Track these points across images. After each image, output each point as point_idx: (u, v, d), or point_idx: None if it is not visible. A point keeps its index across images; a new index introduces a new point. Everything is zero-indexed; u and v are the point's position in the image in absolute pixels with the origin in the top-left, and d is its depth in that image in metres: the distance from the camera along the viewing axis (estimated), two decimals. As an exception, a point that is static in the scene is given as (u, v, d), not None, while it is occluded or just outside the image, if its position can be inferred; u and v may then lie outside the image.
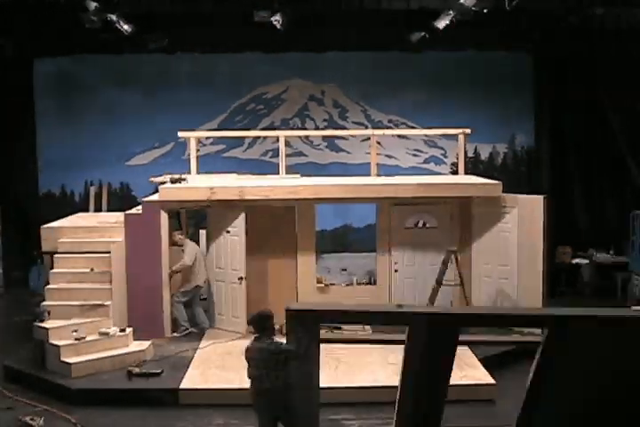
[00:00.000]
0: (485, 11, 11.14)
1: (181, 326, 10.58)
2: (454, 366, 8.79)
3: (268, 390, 6.57)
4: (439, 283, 10.61)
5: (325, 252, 13.04)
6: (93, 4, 11.07)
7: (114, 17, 11.58)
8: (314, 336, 7.30)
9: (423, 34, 12.66)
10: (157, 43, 12.95)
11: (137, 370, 8.94)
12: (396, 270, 11.23)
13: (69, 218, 11.59)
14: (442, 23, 11.69)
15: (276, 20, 11.58)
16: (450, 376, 7.13)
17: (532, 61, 14.02)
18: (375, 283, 11.49)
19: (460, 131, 11.54)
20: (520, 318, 6.55)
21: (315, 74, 14.33)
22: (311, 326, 7.27)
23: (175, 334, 10.46)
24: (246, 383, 8.48)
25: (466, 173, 11.93)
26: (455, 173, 13.39)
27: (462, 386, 8.53)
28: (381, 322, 8.11)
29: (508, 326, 8.09)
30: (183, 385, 8.59)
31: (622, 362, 6.00)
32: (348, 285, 11.82)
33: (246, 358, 6.78)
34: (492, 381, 8.67)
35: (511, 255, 10.75)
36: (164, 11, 11.62)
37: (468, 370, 8.98)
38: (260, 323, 6.72)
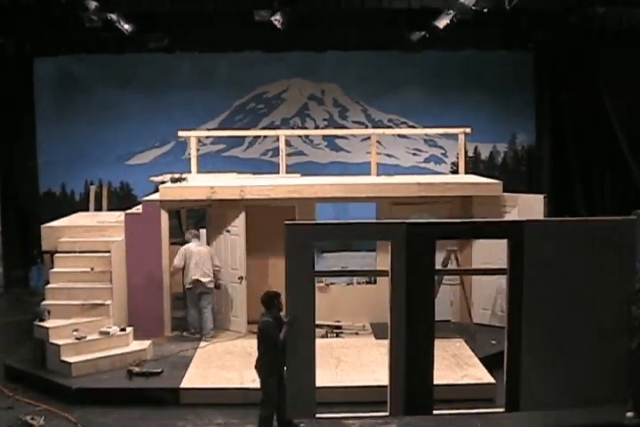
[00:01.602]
0: (486, 10, 11.16)
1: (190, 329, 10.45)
2: (454, 366, 9.13)
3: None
4: (439, 282, 10.66)
5: (326, 251, 13.04)
6: (94, 4, 11.09)
7: (114, 16, 11.61)
8: (309, 254, 8.10)
9: (423, 33, 12.66)
10: (158, 42, 12.96)
11: (137, 369, 8.94)
12: (396, 270, 11.21)
13: (69, 217, 11.59)
14: (442, 23, 11.70)
15: (277, 19, 11.60)
16: (434, 286, 7.40)
17: (532, 61, 14.04)
18: (375, 282, 11.49)
19: (461, 130, 11.54)
20: (488, 228, 7.74)
21: (315, 73, 14.35)
22: (307, 241, 8.09)
23: (184, 333, 10.39)
24: (246, 383, 8.51)
25: (466, 172, 11.93)
26: (455, 172, 13.38)
27: (462, 385, 8.55)
28: (368, 237, 8.56)
29: (478, 237, 8.96)
30: (183, 385, 8.59)
31: (572, 261, 7.34)
32: (348, 284, 11.81)
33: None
34: (492, 380, 8.67)
35: (511, 254, 10.70)
36: (164, 10, 11.62)
37: (468, 369, 8.98)
38: (268, 301, 7.50)
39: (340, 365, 9.25)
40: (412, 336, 7.29)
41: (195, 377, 8.85)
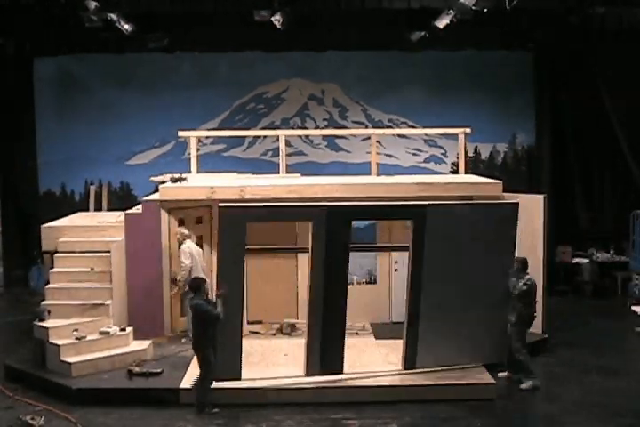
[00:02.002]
0: (486, 10, 11.15)
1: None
2: (454, 366, 9.19)
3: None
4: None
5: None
6: (94, 4, 11.09)
7: (114, 16, 11.61)
8: (241, 233, 8.59)
9: (424, 33, 12.66)
10: (157, 42, 12.96)
11: (137, 369, 8.94)
12: (396, 270, 11.22)
13: (69, 217, 11.59)
14: (442, 23, 11.70)
15: (277, 19, 11.59)
16: (348, 261, 8.27)
17: (532, 61, 14.03)
18: (375, 282, 11.49)
19: (461, 130, 11.53)
20: (397, 210, 8.75)
21: (315, 73, 14.34)
22: (240, 223, 8.54)
23: (182, 340, 10.10)
24: (246, 382, 8.52)
25: (466, 172, 11.91)
26: (455, 172, 13.36)
27: (462, 385, 8.54)
28: (293, 218, 9.27)
29: (388, 219, 9.80)
30: (183, 385, 8.58)
31: (466, 238, 8.44)
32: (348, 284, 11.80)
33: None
34: (491, 380, 8.67)
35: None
36: (164, 10, 11.62)
37: (468, 370, 8.97)
38: (196, 286, 8.40)
39: None
40: (327, 306, 8.46)
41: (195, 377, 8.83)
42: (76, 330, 9.27)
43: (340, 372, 8.64)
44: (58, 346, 9.08)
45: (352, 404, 8.30)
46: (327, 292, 8.44)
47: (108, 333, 9.40)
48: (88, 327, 9.37)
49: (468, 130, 11.54)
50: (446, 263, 8.58)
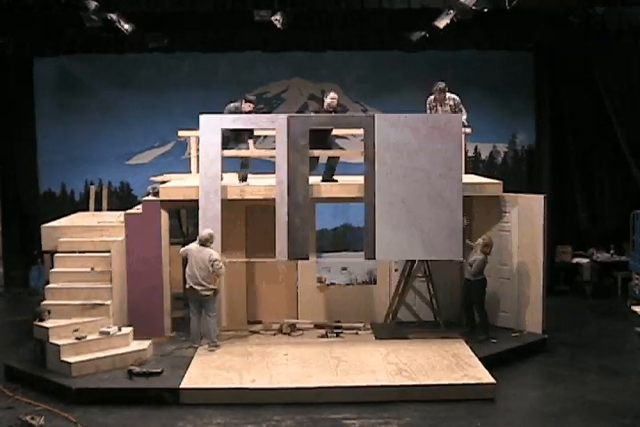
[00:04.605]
0: (486, 10, 11.15)
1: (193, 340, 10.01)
2: (454, 366, 9.31)
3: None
4: (408, 275, 10.95)
5: (326, 251, 13.03)
6: (94, 4, 11.08)
7: (114, 16, 11.60)
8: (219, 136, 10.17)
9: (424, 33, 12.65)
10: (157, 42, 12.95)
11: (137, 369, 8.94)
12: (396, 270, 11.23)
13: (69, 217, 11.60)
14: (442, 23, 11.69)
15: (277, 19, 11.58)
16: (308, 162, 10.04)
17: (532, 61, 14.01)
18: (375, 282, 11.49)
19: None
20: (348, 120, 10.74)
21: (315, 73, 14.32)
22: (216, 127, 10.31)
23: (184, 348, 9.92)
24: (246, 383, 8.54)
25: (466, 172, 11.89)
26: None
27: (462, 385, 8.55)
28: (260, 126, 10.57)
29: (341, 127, 10.91)
30: (183, 385, 8.59)
31: (414, 144, 9.96)
32: (348, 284, 11.82)
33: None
34: (492, 380, 8.68)
35: (511, 255, 10.74)
36: (164, 10, 11.60)
37: (468, 369, 8.99)
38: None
39: (340, 365, 9.26)
40: (292, 198, 10.04)
41: (195, 377, 8.85)
42: (77, 330, 9.27)
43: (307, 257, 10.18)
44: (58, 346, 9.08)
45: (352, 404, 8.30)
46: (290, 186, 10.05)
47: (107, 333, 9.41)
48: (88, 327, 9.38)
49: (467, 130, 11.51)
50: (398, 167, 9.96)
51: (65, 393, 8.59)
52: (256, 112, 10.83)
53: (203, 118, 10.25)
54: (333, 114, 10.46)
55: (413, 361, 9.28)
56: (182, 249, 10.13)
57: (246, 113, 10.43)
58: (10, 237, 14.28)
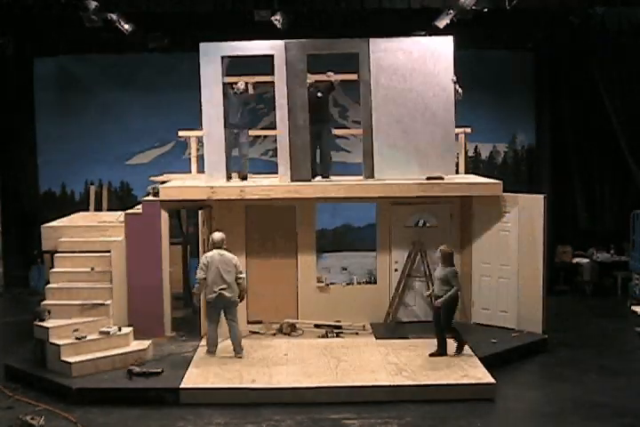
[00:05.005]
0: (486, 10, 11.15)
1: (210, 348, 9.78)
2: (454, 366, 9.19)
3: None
4: (407, 275, 10.95)
5: (326, 251, 13.03)
6: (94, 4, 11.09)
7: (114, 16, 11.60)
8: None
9: (424, 33, 12.61)
10: (157, 42, 12.94)
11: (137, 369, 8.94)
12: (396, 270, 11.22)
13: (70, 217, 11.59)
14: (442, 22, 11.68)
15: (277, 19, 11.58)
16: (307, 89, 10.51)
17: (532, 61, 13.99)
18: (376, 282, 11.49)
19: (461, 130, 11.51)
20: (343, 44, 10.70)
21: (316, 68, 14.26)
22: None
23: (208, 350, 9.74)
24: (246, 383, 8.54)
25: (466, 172, 11.90)
26: (455, 172, 13.34)
27: (462, 385, 8.55)
28: (255, 52, 10.74)
29: (341, 51, 10.74)
30: (184, 385, 8.59)
31: (408, 68, 10.56)
32: (348, 284, 11.81)
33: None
34: (491, 380, 8.67)
35: (511, 255, 10.73)
36: (164, 10, 11.61)
37: (468, 369, 8.99)
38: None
39: (340, 364, 9.25)
40: (293, 121, 10.45)
41: (195, 377, 8.85)
42: (77, 330, 9.27)
43: (309, 179, 10.55)
44: (58, 346, 9.08)
45: (352, 404, 8.30)
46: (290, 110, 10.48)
47: (107, 333, 9.40)
48: (88, 327, 9.38)
49: (468, 130, 11.53)
50: (392, 88, 10.44)
51: (65, 393, 8.58)
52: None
53: (202, 46, 10.67)
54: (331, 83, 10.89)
55: (413, 361, 9.28)
56: (204, 259, 9.53)
57: (242, 91, 10.86)
58: (10, 237, 14.28)
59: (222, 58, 10.61)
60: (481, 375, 8.81)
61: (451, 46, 10.55)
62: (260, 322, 11.09)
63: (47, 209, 13.62)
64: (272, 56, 10.47)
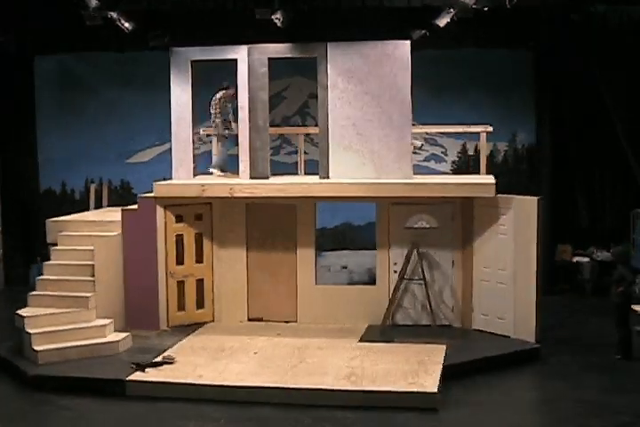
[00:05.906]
0: (486, 8, 11.11)
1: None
2: (410, 373, 9.16)
3: None
4: (402, 278, 10.79)
5: (326, 249, 13.00)
6: (94, 2, 11.11)
7: (115, 14, 11.61)
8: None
9: (424, 32, 12.61)
10: (158, 40, 12.94)
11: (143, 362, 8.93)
12: (395, 271, 11.04)
13: (80, 214, 11.71)
14: (443, 21, 11.66)
15: (277, 17, 11.57)
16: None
17: (532, 60, 13.93)
18: (375, 283, 11.35)
19: (482, 128, 11.26)
20: (301, 48, 11.02)
21: (315, 71, 14.26)
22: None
23: None
24: (192, 378, 8.41)
25: (467, 172, 11.81)
26: (456, 171, 13.31)
27: (403, 393, 8.17)
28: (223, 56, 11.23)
29: (300, 55, 10.98)
30: (131, 377, 8.58)
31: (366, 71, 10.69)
32: (348, 284, 11.74)
33: None
34: (434, 390, 8.16)
35: (508, 258, 10.37)
36: (165, 8, 11.65)
37: (421, 377, 8.53)
38: None
39: (299, 366, 9.05)
40: (253, 122, 10.82)
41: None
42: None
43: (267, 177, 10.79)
44: (29, 334, 9.27)
45: (290, 405, 8.13)
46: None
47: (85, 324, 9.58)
48: (67, 318, 9.59)
49: (489, 128, 11.24)
50: (349, 91, 10.62)
51: (25, 379, 8.79)
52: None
53: (172, 50, 11.15)
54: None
55: (374, 366, 8.93)
56: None
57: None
58: (10, 235, 14.32)
59: (191, 62, 11.06)
60: (428, 384, 8.33)
61: (408, 50, 10.55)
62: (260, 319, 11.06)
63: (48, 207, 13.65)
64: (236, 60, 10.73)
